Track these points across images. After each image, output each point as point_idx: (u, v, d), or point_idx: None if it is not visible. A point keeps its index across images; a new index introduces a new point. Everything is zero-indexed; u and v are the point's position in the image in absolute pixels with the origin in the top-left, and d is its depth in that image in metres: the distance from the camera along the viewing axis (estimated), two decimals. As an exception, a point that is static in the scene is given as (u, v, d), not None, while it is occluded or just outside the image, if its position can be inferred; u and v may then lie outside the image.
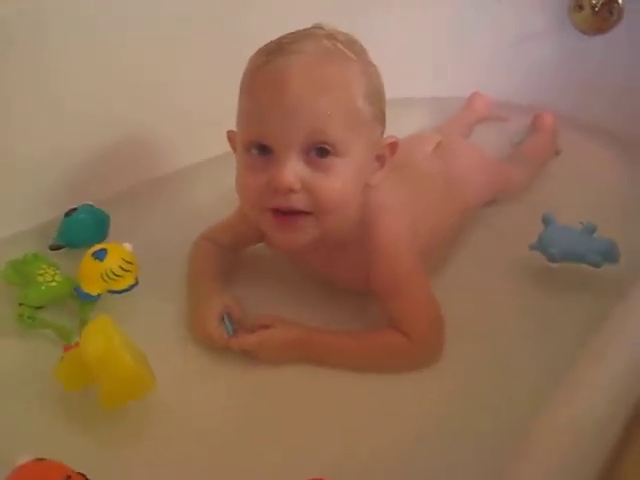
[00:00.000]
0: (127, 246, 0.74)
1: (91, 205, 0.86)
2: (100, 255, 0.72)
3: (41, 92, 0.87)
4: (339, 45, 0.68)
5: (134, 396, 0.62)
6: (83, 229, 0.83)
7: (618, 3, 1.16)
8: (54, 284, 0.74)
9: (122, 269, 0.72)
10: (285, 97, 0.65)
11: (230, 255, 0.84)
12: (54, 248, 0.83)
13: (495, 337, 0.76)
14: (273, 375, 0.70)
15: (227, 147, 0.75)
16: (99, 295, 0.73)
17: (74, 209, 0.84)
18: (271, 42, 0.69)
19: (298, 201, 0.66)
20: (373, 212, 0.73)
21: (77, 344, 0.64)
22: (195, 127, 0.99)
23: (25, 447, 0.58)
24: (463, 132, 1.17)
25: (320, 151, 0.66)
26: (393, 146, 0.73)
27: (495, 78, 1.26)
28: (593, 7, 1.18)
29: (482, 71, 1.27)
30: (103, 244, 0.74)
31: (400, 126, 1.10)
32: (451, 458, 0.62)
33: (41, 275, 0.74)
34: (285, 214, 0.67)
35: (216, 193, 0.94)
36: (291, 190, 0.65)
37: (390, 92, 1.25)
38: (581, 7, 1.19)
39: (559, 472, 0.45)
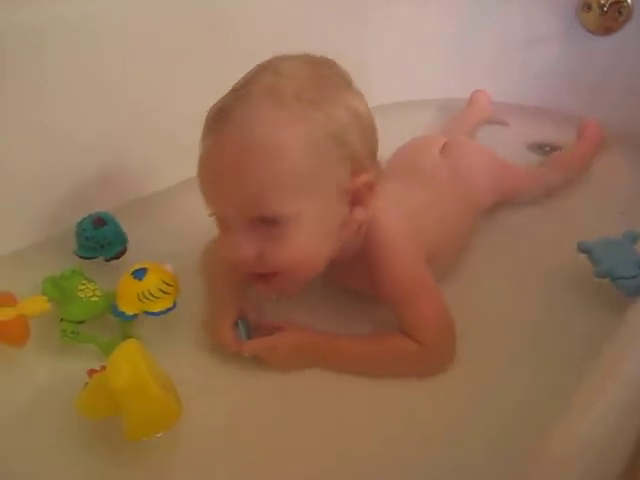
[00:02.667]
0: (168, 267, 0.72)
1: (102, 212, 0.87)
2: (139, 274, 0.70)
3: (42, 107, 0.87)
4: (280, 101, 0.63)
5: (161, 428, 0.61)
6: (120, 235, 0.85)
7: (627, 3, 1.16)
8: (95, 299, 0.73)
9: (160, 291, 0.70)
10: (215, 179, 0.65)
11: None
12: (113, 258, 0.83)
13: (508, 341, 0.77)
14: (284, 381, 0.71)
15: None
16: (135, 315, 0.71)
17: (100, 220, 0.84)
18: (219, 101, 0.67)
19: (260, 267, 0.67)
20: (374, 225, 0.73)
21: (103, 368, 0.62)
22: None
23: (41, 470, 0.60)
24: (467, 132, 1.18)
25: (267, 221, 0.65)
26: (369, 186, 0.68)
27: (502, 79, 1.27)
28: (602, 7, 1.18)
29: (489, 72, 1.28)
30: (144, 262, 0.72)
31: (407, 128, 1.11)
32: (463, 463, 0.63)
33: (82, 290, 0.73)
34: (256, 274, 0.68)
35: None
36: (246, 263, 0.66)
37: (397, 95, 1.27)
38: (589, 7, 1.19)
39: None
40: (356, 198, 0.68)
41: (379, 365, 0.73)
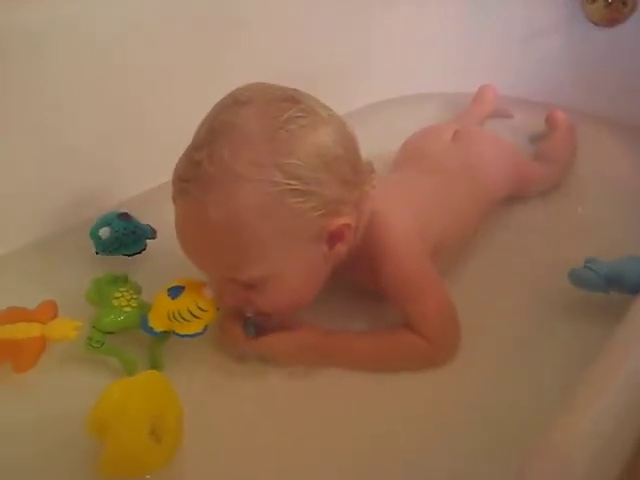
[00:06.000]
0: (207, 291, 0.69)
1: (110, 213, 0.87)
2: (174, 293, 0.69)
3: (42, 108, 0.87)
4: (234, 171, 0.61)
5: (136, 472, 0.59)
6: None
7: (632, -6, 1.15)
8: (128, 309, 0.71)
9: (192, 314, 0.68)
10: (188, 249, 0.66)
11: None
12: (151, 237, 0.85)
13: (512, 337, 0.78)
14: (288, 378, 0.72)
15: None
16: (163, 333, 0.70)
17: (124, 213, 0.85)
18: (181, 160, 0.66)
19: (249, 309, 0.71)
20: (376, 221, 0.73)
21: None
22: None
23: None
24: (475, 125, 1.17)
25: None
26: (346, 226, 0.67)
27: (506, 72, 1.27)
28: (606, -2, 1.17)
29: (493, 65, 1.27)
30: (184, 280, 0.70)
31: (412, 122, 1.11)
32: (462, 461, 0.64)
33: (117, 299, 0.72)
34: None
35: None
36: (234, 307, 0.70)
37: (401, 89, 1.26)
38: (594, -1, 1.18)
39: (576, 474, 0.46)
40: (334, 237, 0.67)
41: (385, 361, 0.74)
